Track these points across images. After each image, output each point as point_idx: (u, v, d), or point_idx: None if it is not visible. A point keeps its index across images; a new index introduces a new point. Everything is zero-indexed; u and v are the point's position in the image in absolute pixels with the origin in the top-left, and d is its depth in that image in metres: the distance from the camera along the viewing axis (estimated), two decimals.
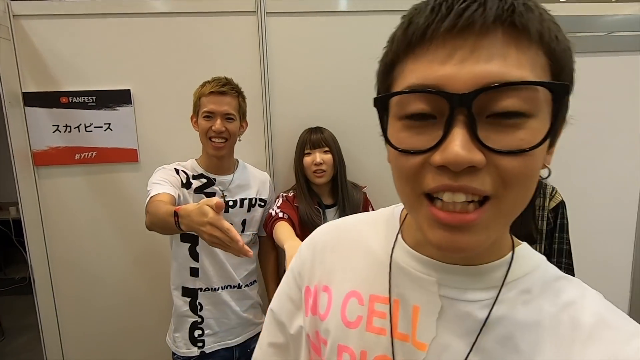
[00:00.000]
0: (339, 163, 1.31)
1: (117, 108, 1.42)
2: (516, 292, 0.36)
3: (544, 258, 0.40)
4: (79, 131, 1.42)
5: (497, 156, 0.28)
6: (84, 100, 1.41)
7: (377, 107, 0.33)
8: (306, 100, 1.48)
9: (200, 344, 1.19)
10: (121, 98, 1.42)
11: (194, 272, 1.18)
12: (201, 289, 1.19)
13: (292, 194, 1.33)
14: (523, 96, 0.28)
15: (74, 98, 1.40)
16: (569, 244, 1.18)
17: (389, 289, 0.40)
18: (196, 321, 1.19)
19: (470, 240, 0.30)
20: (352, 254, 0.45)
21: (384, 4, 1.44)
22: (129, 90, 1.42)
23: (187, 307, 1.19)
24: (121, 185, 1.48)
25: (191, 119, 1.18)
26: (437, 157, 0.29)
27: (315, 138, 1.30)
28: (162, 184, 1.06)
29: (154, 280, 1.51)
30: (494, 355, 0.34)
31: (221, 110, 1.11)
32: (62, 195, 1.46)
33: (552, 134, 0.29)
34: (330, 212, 1.34)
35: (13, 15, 1.35)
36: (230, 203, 1.20)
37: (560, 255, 1.17)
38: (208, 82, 1.14)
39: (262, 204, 1.28)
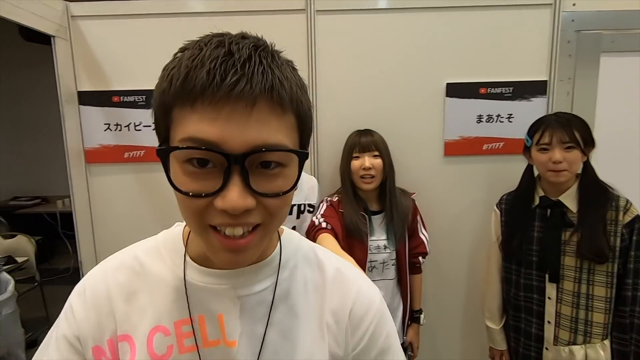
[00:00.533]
0: (388, 168, 1.24)
1: None
2: (288, 271, 0.48)
3: (297, 234, 0.53)
4: (129, 130, 1.44)
5: (264, 198, 0.38)
6: (135, 100, 1.42)
7: (160, 154, 0.40)
8: (354, 101, 1.42)
9: None
10: None
11: None
12: None
13: (337, 198, 1.27)
14: (280, 154, 0.38)
15: (125, 97, 1.42)
16: None
17: (189, 309, 0.45)
18: None
19: (246, 256, 0.40)
20: (145, 292, 0.45)
21: (435, 1, 1.37)
22: None
23: None
24: (166, 184, 1.48)
25: None
26: (220, 203, 0.36)
27: (365, 141, 1.23)
28: None
29: None
30: (283, 324, 0.46)
31: None
32: (111, 192, 1.49)
33: (297, 182, 0.41)
34: (376, 218, 1.27)
35: (71, 16, 1.39)
36: None
37: (637, 276, 1.05)
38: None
39: (311, 209, 1.24)
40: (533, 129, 1.13)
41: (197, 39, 0.41)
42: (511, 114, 1.41)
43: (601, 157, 1.42)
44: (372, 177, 1.21)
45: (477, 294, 1.50)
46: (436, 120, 1.43)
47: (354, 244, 1.21)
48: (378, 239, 1.25)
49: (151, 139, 1.45)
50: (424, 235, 1.35)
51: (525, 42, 1.38)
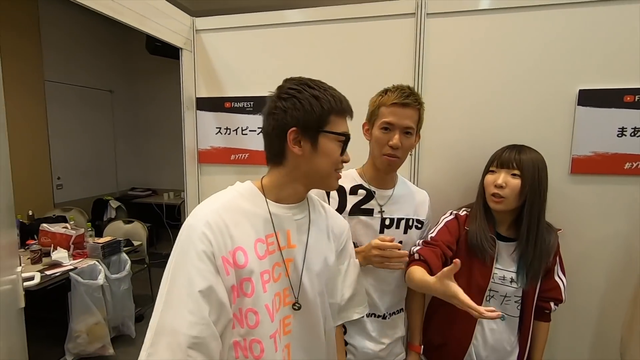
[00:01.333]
0: (530, 192, 1.04)
1: None
2: (312, 207, 0.86)
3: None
4: (237, 134, 1.54)
5: None
6: (243, 106, 1.52)
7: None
8: (465, 111, 1.31)
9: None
10: None
11: None
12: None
13: (464, 212, 1.15)
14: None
15: (236, 103, 1.52)
16: None
17: (273, 227, 0.77)
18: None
19: None
20: (245, 221, 0.74)
21: None
22: None
23: None
24: None
25: (363, 126, 1.10)
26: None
27: (507, 156, 1.07)
28: None
29: None
30: (315, 236, 0.84)
31: (402, 124, 1.01)
32: (216, 190, 1.60)
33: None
34: (506, 246, 1.10)
35: (196, 30, 1.54)
36: (387, 222, 1.09)
37: None
38: (390, 89, 1.04)
39: (420, 225, 1.14)
40: None
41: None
42: None
43: None
44: (502, 197, 1.05)
45: (610, 335, 1.25)
46: (563, 133, 1.24)
47: (475, 264, 1.08)
48: (505, 269, 1.09)
49: (256, 143, 1.53)
50: (560, 279, 1.14)
51: None
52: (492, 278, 1.08)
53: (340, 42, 1.41)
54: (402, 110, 1.00)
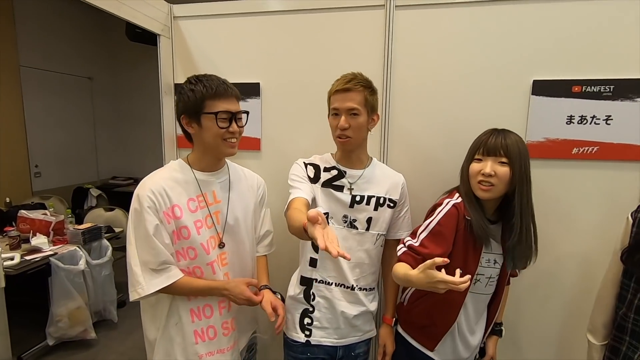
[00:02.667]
0: (518, 179, 1.04)
1: (247, 100, 1.54)
2: (232, 171, 1.20)
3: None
4: None
5: None
6: None
7: None
8: (431, 99, 1.39)
9: (307, 332, 1.21)
10: (251, 90, 1.54)
11: (313, 263, 1.21)
12: (316, 279, 1.21)
13: (460, 200, 1.10)
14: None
15: None
16: None
17: (200, 190, 1.09)
18: (307, 309, 1.21)
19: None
20: (178, 186, 1.06)
21: None
22: (259, 83, 1.53)
23: (302, 295, 1.22)
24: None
25: (328, 117, 1.21)
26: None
27: (494, 143, 1.04)
28: (299, 186, 1.15)
29: (282, 269, 1.45)
30: (236, 191, 1.17)
31: (345, 107, 1.11)
32: None
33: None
34: (492, 229, 1.10)
35: (173, 17, 1.57)
36: (357, 198, 1.18)
37: None
38: (338, 79, 1.15)
39: (392, 205, 1.22)
40: None
41: None
42: (609, 116, 1.26)
43: None
44: (491, 185, 1.04)
45: (572, 307, 1.39)
46: (519, 120, 1.34)
47: (470, 253, 1.10)
48: (491, 252, 1.12)
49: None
50: None
51: (632, 33, 1.23)
52: (480, 262, 1.12)
53: (314, 32, 1.47)
54: (344, 94, 1.12)
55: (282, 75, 1.52)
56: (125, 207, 3.26)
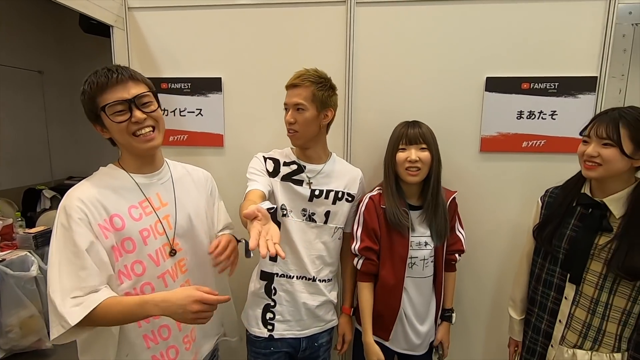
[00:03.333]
0: (435, 163, 1.20)
1: (209, 95, 1.51)
2: (172, 169, 1.06)
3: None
4: (174, 115, 1.54)
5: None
6: (181, 87, 1.51)
7: None
8: (391, 95, 1.43)
9: (270, 327, 1.21)
10: (213, 85, 1.50)
11: (273, 257, 1.20)
12: (277, 274, 1.21)
13: (377, 192, 1.26)
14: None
15: (173, 84, 1.52)
16: None
17: (144, 194, 0.95)
18: (269, 304, 1.22)
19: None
20: (114, 194, 0.90)
21: None
22: (220, 78, 1.50)
23: (263, 290, 1.22)
24: (206, 168, 1.55)
25: None
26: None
27: (413, 133, 1.19)
28: (256, 179, 1.14)
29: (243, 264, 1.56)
30: (184, 190, 1.05)
31: (291, 102, 1.14)
32: None
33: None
34: (417, 214, 1.24)
35: (128, 8, 1.50)
36: (316, 192, 1.20)
37: None
38: (293, 76, 1.18)
39: (350, 199, 1.25)
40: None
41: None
42: (555, 111, 1.35)
43: None
44: (418, 169, 1.18)
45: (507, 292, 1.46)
46: (474, 115, 1.40)
47: (395, 238, 1.21)
48: (420, 235, 1.23)
49: (194, 124, 1.54)
50: (460, 233, 1.32)
51: (575, 35, 1.32)
52: (411, 246, 1.21)
53: (276, 27, 1.46)
54: (292, 90, 1.15)
55: (245, 70, 1.49)
56: None
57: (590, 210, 1.05)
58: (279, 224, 1.17)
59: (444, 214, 1.23)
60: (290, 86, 1.15)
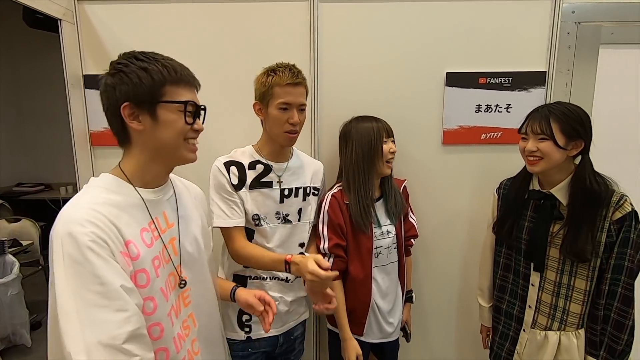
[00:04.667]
0: None
1: None
2: (175, 186, 0.88)
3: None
4: None
5: None
6: None
7: None
8: (355, 90, 1.45)
9: (247, 329, 1.19)
10: None
11: (245, 266, 1.18)
12: (250, 276, 1.19)
13: (337, 189, 1.27)
14: None
15: None
16: (631, 261, 1.03)
17: (150, 214, 0.77)
18: None
19: None
20: (123, 213, 0.71)
21: None
22: None
23: None
24: (175, 169, 1.50)
25: (254, 105, 1.16)
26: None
27: (388, 126, 1.27)
28: (232, 217, 1.12)
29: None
30: (183, 209, 0.87)
31: (297, 102, 1.10)
32: None
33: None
34: (378, 204, 1.29)
35: (77, 0, 1.41)
36: (286, 192, 1.18)
37: (617, 272, 1.05)
38: (278, 70, 1.10)
39: (316, 192, 1.26)
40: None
41: None
42: (509, 104, 1.43)
43: (598, 148, 1.44)
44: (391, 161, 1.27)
45: (472, 277, 1.53)
46: (435, 110, 1.45)
47: (360, 233, 1.23)
48: (382, 224, 1.27)
49: None
50: (413, 219, 1.40)
51: (526, 32, 1.40)
52: (375, 236, 1.25)
53: (239, 22, 1.43)
54: (295, 89, 1.09)
55: (208, 67, 1.45)
56: (36, 217, 2.88)
57: (542, 201, 1.13)
58: (252, 232, 1.16)
59: (400, 196, 1.31)
60: (293, 84, 1.08)
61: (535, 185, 1.16)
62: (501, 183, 1.29)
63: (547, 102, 1.41)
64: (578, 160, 1.10)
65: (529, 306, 1.17)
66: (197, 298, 0.87)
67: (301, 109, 1.12)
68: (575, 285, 1.09)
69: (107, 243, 0.64)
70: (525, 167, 1.16)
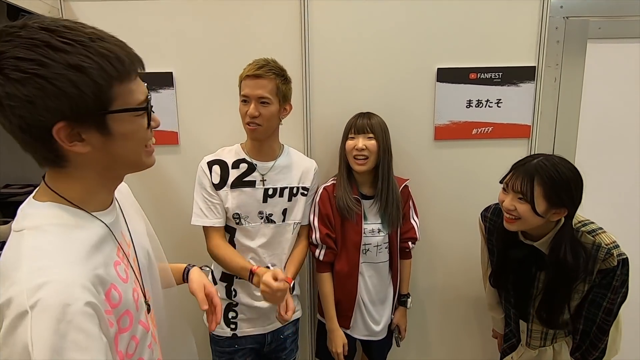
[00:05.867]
0: (382, 152, 1.24)
1: (160, 90, 1.43)
2: (117, 194, 0.68)
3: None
4: None
5: None
6: None
7: None
8: (347, 86, 1.44)
9: (233, 326, 1.19)
10: (163, 80, 1.43)
11: None
12: (236, 276, 1.18)
13: (331, 183, 1.30)
14: None
15: None
16: (611, 303, 0.99)
17: (117, 241, 0.62)
18: (231, 303, 1.20)
19: None
20: (95, 251, 0.55)
21: None
22: (171, 73, 1.43)
23: (224, 291, 1.19)
24: (161, 168, 1.49)
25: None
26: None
27: (361, 123, 1.24)
28: (209, 216, 1.14)
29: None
30: (132, 219, 0.72)
31: (255, 94, 1.09)
32: None
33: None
34: (369, 203, 1.29)
35: None
36: (270, 192, 1.18)
37: (595, 308, 1.01)
38: (249, 64, 1.12)
39: (305, 192, 1.25)
40: (514, 165, 1.05)
41: None
42: (500, 99, 1.44)
43: (586, 143, 1.46)
44: (365, 158, 1.22)
45: (467, 279, 1.55)
46: (427, 105, 1.45)
47: (348, 226, 1.25)
48: (372, 222, 1.28)
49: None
50: (414, 221, 1.37)
51: (515, 28, 1.41)
52: (364, 232, 1.25)
53: (228, 18, 1.41)
54: (255, 81, 1.08)
55: (197, 64, 1.44)
56: None
57: (528, 251, 1.07)
58: (234, 230, 1.16)
59: (395, 202, 1.27)
60: (253, 76, 1.08)
61: (519, 236, 1.09)
62: (485, 214, 1.22)
63: (537, 96, 1.42)
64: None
65: (522, 331, 1.19)
66: (157, 311, 0.74)
67: (262, 102, 1.09)
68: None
69: (96, 313, 0.49)
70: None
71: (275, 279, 0.96)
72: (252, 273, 1.05)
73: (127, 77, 0.54)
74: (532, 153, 1.18)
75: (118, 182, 0.64)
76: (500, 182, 1.05)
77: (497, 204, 1.13)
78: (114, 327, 0.54)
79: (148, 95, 0.58)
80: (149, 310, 0.68)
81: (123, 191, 0.74)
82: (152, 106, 0.59)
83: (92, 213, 0.58)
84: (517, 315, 1.19)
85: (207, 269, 1.06)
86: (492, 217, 1.20)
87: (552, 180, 0.94)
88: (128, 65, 0.53)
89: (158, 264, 0.79)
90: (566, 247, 0.98)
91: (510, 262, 1.11)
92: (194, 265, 0.90)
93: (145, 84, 0.60)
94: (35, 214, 0.54)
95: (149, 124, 0.58)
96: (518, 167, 1.00)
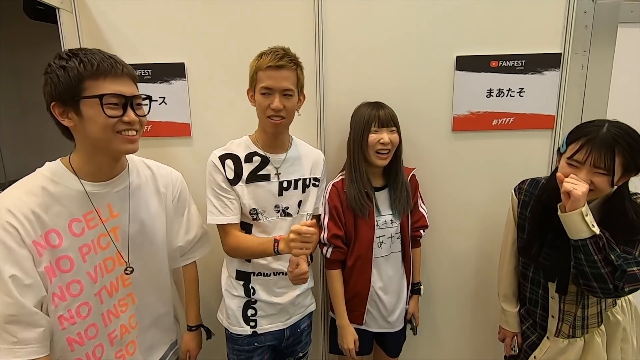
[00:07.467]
0: (399, 143, 1.24)
1: (172, 81, 1.42)
2: (136, 176, 0.94)
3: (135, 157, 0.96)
4: None
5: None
6: (141, 74, 1.41)
7: None
8: (362, 75, 1.40)
9: (252, 324, 1.18)
10: (175, 71, 1.41)
11: (248, 259, 1.16)
12: (254, 273, 1.17)
13: (339, 179, 1.26)
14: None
15: None
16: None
17: (92, 205, 0.83)
18: (249, 300, 1.18)
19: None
20: (56, 204, 0.78)
21: None
22: (183, 63, 1.41)
23: (242, 290, 1.17)
24: (173, 160, 1.48)
25: (247, 92, 1.13)
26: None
27: (384, 115, 1.19)
28: (225, 214, 1.10)
29: (205, 261, 1.50)
30: (141, 199, 0.94)
31: (279, 87, 1.04)
32: None
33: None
34: (380, 194, 1.26)
35: None
36: (285, 184, 1.15)
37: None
38: (265, 53, 1.06)
39: (317, 183, 1.23)
40: (573, 136, 0.96)
41: None
42: (522, 88, 1.38)
43: None
44: (388, 151, 1.19)
45: (484, 270, 1.51)
46: (445, 95, 1.40)
47: (360, 221, 1.22)
48: (385, 214, 1.25)
49: (157, 114, 1.45)
50: (423, 209, 1.36)
51: (539, 13, 1.34)
52: (377, 225, 1.23)
53: (240, 10, 1.38)
54: (277, 72, 1.03)
55: (209, 54, 1.41)
56: None
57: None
58: (250, 227, 1.14)
59: (406, 191, 1.25)
60: (275, 67, 1.02)
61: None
62: (521, 187, 1.17)
63: (563, 85, 1.35)
64: None
65: (552, 316, 1.12)
66: (140, 282, 0.94)
67: (285, 94, 1.05)
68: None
69: (19, 231, 0.72)
70: (551, 177, 1.03)
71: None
72: (276, 241, 1.02)
73: (96, 77, 0.75)
74: (578, 125, 0.99)
75: (107, 161, 0.84)
76: (559, 152, 0.99)
77: (533, 178, 1.14)
78: (44, 257, 0.75)
79: (128, 96, 0.79)
80: (127, 271, 0.91)
81: (160, 179, 0.99)
82: (135, 103, 0.81)
83: (82, 180, 0.82)
84: (545, 297, 1.11)
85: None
86: (528, 188, 1.14)
87: (631, 148, 0.89)
88: (97, 68, 0.75)
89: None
90: (627, 206, 0.95)
91: (548, 229, 1.04)
92: (193, 328, 1.16)
93: (143, 97, 0.85)
94: (45, 167, 0.82)
95: (108, 115, 0.76)
96: (589, 140, 0.91)
